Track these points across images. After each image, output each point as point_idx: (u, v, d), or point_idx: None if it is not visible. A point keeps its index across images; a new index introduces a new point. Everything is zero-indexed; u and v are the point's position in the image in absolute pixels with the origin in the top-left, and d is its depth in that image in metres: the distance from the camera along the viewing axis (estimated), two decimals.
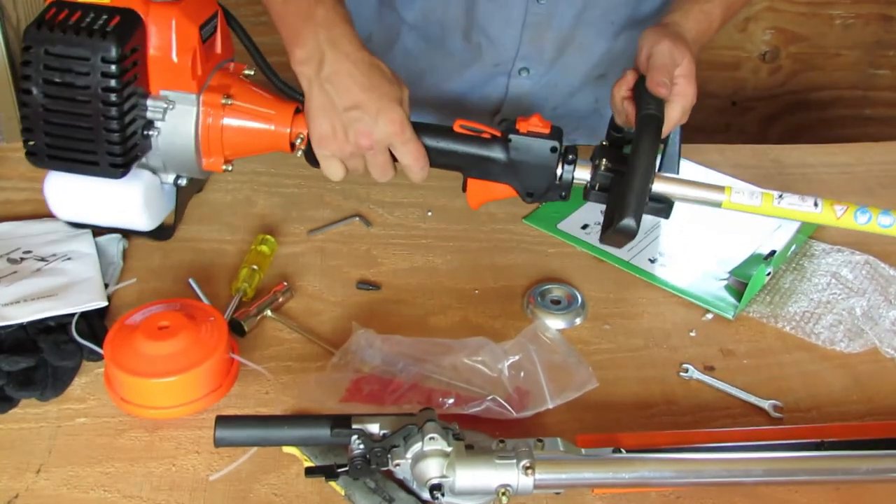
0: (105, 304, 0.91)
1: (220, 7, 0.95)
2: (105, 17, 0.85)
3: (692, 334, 0.96)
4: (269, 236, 1.02)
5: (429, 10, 1.17)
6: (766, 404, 0.88)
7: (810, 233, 1.11)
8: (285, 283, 0.97)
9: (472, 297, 0.99)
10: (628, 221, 0.82)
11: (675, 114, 0.92)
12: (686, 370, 0.91)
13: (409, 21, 1.19)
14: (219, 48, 0.95)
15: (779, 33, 2.18)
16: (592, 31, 1.14)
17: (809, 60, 2.29)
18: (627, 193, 0.83)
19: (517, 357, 0.87)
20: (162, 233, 1.00)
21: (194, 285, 0.96)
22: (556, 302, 0.98)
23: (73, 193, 0.95)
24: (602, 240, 0.88)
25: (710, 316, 0.98)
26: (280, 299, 0.95)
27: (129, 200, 0.94)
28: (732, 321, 0.98)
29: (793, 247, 1.03)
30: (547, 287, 0.99)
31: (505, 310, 0.98)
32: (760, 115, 2.35)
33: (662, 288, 1.01)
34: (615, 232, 0.83)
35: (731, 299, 1.00)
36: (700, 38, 0.97)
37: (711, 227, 1.08)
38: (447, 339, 0.89)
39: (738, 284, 1.00)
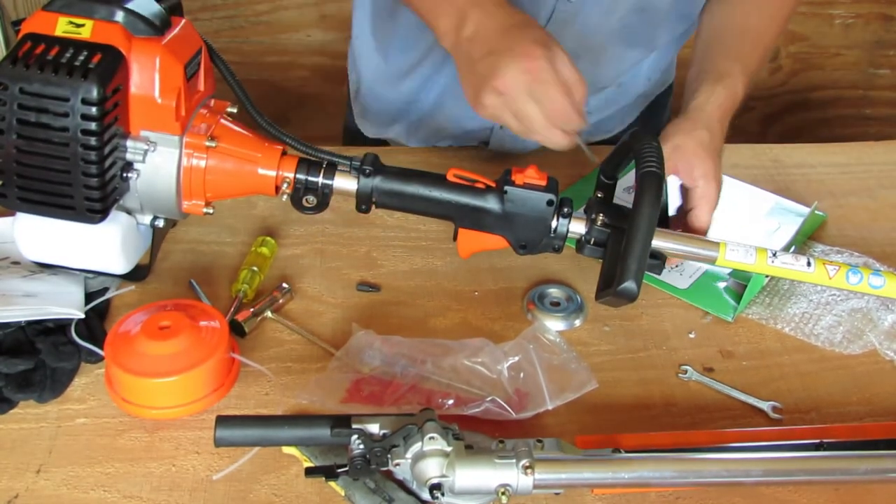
0: (81, 315, 0.89)
1: (204, 43, 0.90)
2: (85, 53, 0.79)
3: (691, 336, 0.96)
4: (269, 238, 1.02)
5: None
6: (765, 405, 0.88)
7: (810, 234, 1.11)
8: (286, 285, 0.97)
9: (472, 299, 0.99)
10: (629, 285, 0.79)
11: (705, 216, 0.94)
12: (685, 371, 0.91)
13: None
14: (202, 85, 0.90)
15: None
16: (612, 39, 1.13)
17: (809, 60, 2.29)
18: (629, 256, 0.80)
19: (517, 358, 0.87)
20: (137, 273, 0.95)
21: (195, 286, 0.96)
22: (556, 304, 0.98)
23: (44, 235, 0.88)
24: (599, 299, 0.86)
25: (709, 317, 0.99)
26: (280, 300, 0.96)
27: (105, 244, 0.88)
28: (731, 323, 0.98)
29: (792, 248, 1.03)
30: (546, 289, 0.99)
31: (504, 311, 0.98)
32: (760, 114, 2.35)
33: (661, 290, 1.02)
34: (616, 295, 0.80)
35: (731, 301, 1.00)
36: (727, 113, 1.02)
37: (709, 228, 1.08)
38: (447, 340, 0.90)
39: (738, 286, 1.00)
